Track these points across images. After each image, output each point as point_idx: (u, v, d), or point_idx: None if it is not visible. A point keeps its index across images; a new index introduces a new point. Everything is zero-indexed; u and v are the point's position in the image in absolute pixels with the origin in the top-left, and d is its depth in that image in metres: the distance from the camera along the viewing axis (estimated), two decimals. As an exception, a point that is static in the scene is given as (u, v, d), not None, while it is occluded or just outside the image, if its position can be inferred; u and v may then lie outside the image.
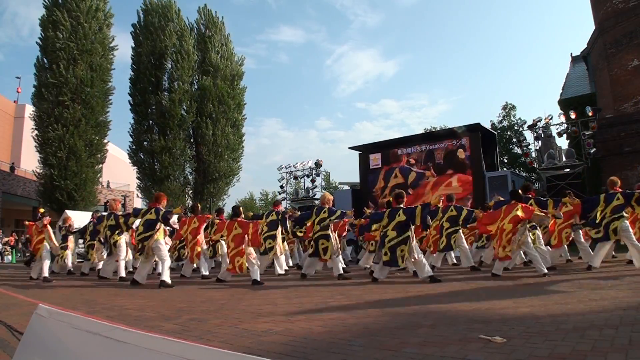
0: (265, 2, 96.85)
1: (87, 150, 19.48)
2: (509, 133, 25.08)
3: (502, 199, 7.67)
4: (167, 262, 6.99)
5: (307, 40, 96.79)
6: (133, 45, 22.86)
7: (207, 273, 8.47)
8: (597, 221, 6.82)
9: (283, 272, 8.55)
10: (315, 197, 19.29)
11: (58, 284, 7.96)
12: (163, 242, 7.16)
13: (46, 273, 8.23)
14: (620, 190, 6.84)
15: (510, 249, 6.39)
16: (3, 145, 27.21)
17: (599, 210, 6.78)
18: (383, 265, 6.72)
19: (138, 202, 30.50)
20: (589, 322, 3.01)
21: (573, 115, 13.25)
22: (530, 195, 7.49)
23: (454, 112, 79.03)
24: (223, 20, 25.19)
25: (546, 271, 6.28)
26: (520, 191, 7.05)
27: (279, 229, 8.49)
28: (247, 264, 7.01)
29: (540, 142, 14.18)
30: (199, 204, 9.71)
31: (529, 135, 14.72)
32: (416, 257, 6.42)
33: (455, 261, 9.45)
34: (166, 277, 6.76)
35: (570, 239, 7.79)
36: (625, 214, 6.59)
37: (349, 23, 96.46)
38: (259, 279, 6.90)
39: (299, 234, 9.93)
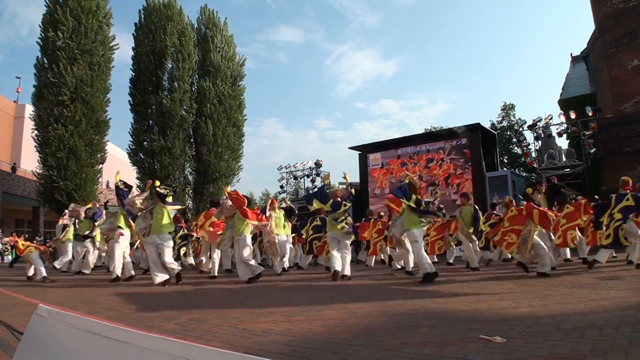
0: (264, 2, 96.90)
1: (87, 150, 19.46)
2: (508, 133, 25.07)
3: (500, 200, 7.62)
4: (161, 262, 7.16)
5: (306, 40, 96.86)
6: (133, 45, 22.86)
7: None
8: (604, 222, 6.67)
9: (280, 272, 8.57)
10: (315, 197, 19.26)
11: (58, 284, 7.97)
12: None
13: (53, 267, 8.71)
14: (631, 190, 6.61)
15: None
16: (3, 145, 27.18)
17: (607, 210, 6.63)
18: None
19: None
20: (589, 322, 3.01)
21: (573, 115, 13.26)
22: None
23: (454, 112, 79.07)
24: (226, 21, 25.22)
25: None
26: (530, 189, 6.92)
27: (271, 223, 8.28)
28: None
29: (540, 142, 14.19)
30: (218, 198, 9.79)
31: (529, 135, 14.72)
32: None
33: (451, 261, 9.42)
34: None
35: (575, 241, 7.68)
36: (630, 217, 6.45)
37: (348, 23, 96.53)
38: (252, 275, 7.06)
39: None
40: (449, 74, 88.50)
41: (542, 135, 14.02)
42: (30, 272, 8.76)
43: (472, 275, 7.20)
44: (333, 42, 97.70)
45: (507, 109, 26.59)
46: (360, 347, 2.62)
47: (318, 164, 18.66)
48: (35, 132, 19.27)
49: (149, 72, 22.03)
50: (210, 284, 7.39)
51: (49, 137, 18.58)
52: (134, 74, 22.76)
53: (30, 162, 23.04)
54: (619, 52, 14.97)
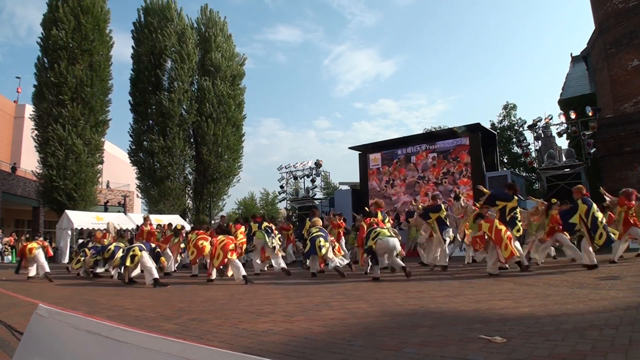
0: (262, 2, 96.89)
1: (87, 150, 19.45)
2: (509, 133, 25.04)
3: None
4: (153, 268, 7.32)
5: (305, 40, 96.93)
6: (133, 45, 22.86)
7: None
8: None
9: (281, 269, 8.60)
10: (315, 197, 19.27)
11: (58, 283, 7.98)
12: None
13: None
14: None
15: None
16: (3, 145, 27.16)
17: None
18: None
19: (138, 202, 30.50)
20: (589, 322, 3.01)
21: (573, 115, 13.23)
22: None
23: (453, 112, 79.13)
24: (226, 20, 25.22)
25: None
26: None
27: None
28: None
29: (540, 142, 14.16)
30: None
31: (529, 135, 14.67)
32: None
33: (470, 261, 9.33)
34: (156, 275, 7.15)
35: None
36: None
37: (346, 23, 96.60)
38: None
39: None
40: (448, 74, 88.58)
41: (542, 135, 14.00)
42: (31, 273, 8.74)
43: (471, 275, 7.19)
44: (331, 42, 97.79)
45: (509, 108, 26.52)
46: (360, 347, 2.62)
47: (318, 164, 18.63)
48: (35, 132, 19.27)
49: (149, 72, 22.03)
50: (210, 284, 7.39)
51: (48, 137, 18.57)
52: (133, 74, 22.76)
53: (30, 162, 23.03)
54: (619, 52, 14.95)
